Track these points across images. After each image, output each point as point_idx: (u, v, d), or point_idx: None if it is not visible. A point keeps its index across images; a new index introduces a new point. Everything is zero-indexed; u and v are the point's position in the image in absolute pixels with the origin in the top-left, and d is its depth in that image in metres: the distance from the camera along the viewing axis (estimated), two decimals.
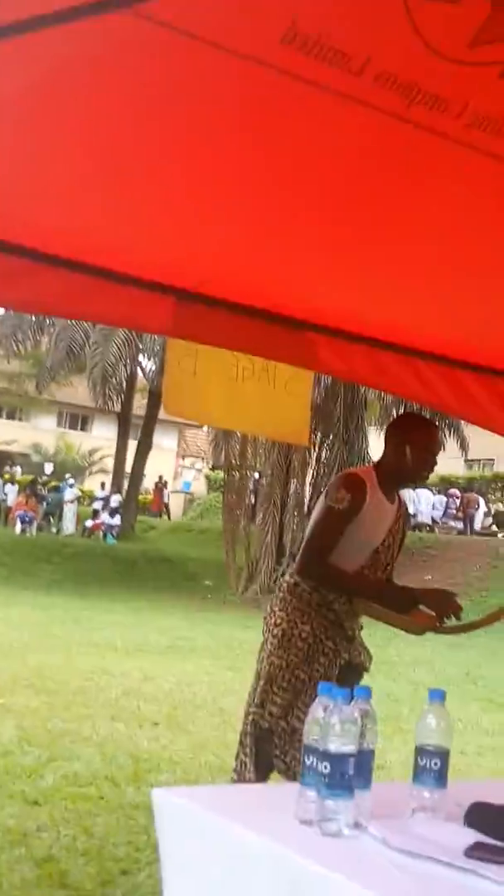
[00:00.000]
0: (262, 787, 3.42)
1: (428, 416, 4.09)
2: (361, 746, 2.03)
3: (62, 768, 5.83)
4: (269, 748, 3.76)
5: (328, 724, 1.96)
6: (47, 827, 4.71)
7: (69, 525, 30.44)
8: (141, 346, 25.61)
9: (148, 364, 28.93)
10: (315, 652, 3.77)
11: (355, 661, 3.92)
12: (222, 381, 4.74)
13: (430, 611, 3.87)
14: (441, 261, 3.32)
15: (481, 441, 30.73)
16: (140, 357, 28.20)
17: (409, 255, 3.30)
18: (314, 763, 2.00)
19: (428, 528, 30.05)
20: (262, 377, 4.78)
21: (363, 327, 4.24)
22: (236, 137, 2.49)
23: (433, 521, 30.76)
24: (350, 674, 3.87)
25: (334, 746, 1.93)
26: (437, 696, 2.20)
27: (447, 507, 31.28)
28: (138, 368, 29.90)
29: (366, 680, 3.95)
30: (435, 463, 4.00)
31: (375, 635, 15.27)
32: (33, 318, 25.81)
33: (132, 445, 31.52)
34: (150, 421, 30.61)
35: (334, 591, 3.81)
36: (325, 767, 1.93)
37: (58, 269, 3.43)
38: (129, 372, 28.19)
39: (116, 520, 29.89)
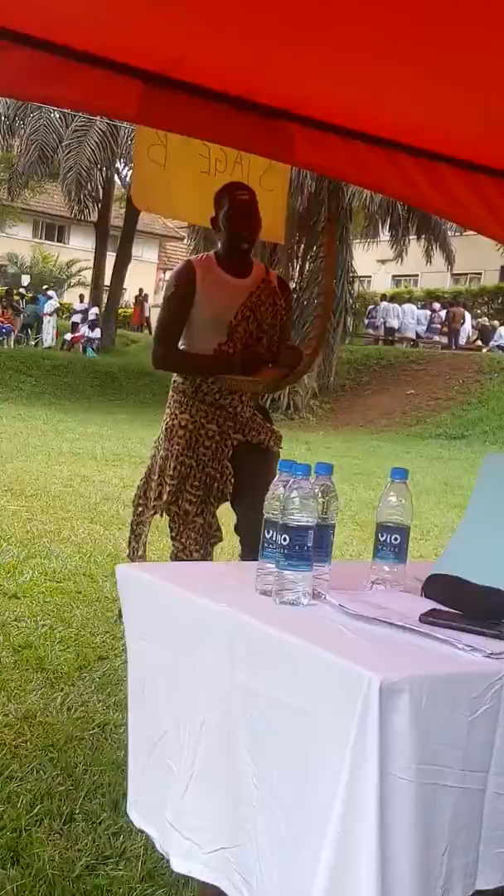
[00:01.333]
0: (221, 564, 3.55)
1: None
2: (322, 521, 2.05)
3: (41, 566, 5.97)
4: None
5: (287, 498, 1.97)
6: (25, 618, 4.85)
7: (48, 338, 30.23)
8: (117, 150, 24.68)
9: (125, 171, 28.01)
10: (198, 437, 3.98)
11: (254, 440, 4.05)
12: (193, 174, 4.59)
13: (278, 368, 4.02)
14: (428, 48, 3.13)
15: (468, 255, 30.47)
16: (118, 164, 27.28)
17: (395, 40, 3.10)
18: (273, 536, 2.03)
19: (412, 342, 30.03)
20: (234, 170, 4.62)
21: (342, 118, 4.04)
22: None
23: (417, 335, 30.69)
24: (251, 452, 4.03)
25: (293, 519, 1.95)
26: (400, 474, 2.21)
27: (431, 321, 31.14)
28: (115, 176, 29.00)
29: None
30: (242, 220, 3.96)
31: (356, 448, 15.52)
32: (3, 118, 24.77)
33: (111, 258, 30.92)
34: (129, 232, 29.89)
35: (179, 374, 4.04)
36: (285, 539, 1.95)
37: (21, 48, 3.24)
38: (104, 178, 27.33)
39: (96, 333, 29.69)
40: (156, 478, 4.06)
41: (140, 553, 4.11)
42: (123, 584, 2.25)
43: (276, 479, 2.06)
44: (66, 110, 21.07)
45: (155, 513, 4.05)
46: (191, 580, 2.17)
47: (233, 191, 3.96)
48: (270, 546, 2.04)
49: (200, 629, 1.97)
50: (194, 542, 3.94)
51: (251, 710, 1.83)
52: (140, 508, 4.12)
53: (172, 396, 4.07)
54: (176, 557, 3.98)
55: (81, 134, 23.76)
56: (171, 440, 4.00)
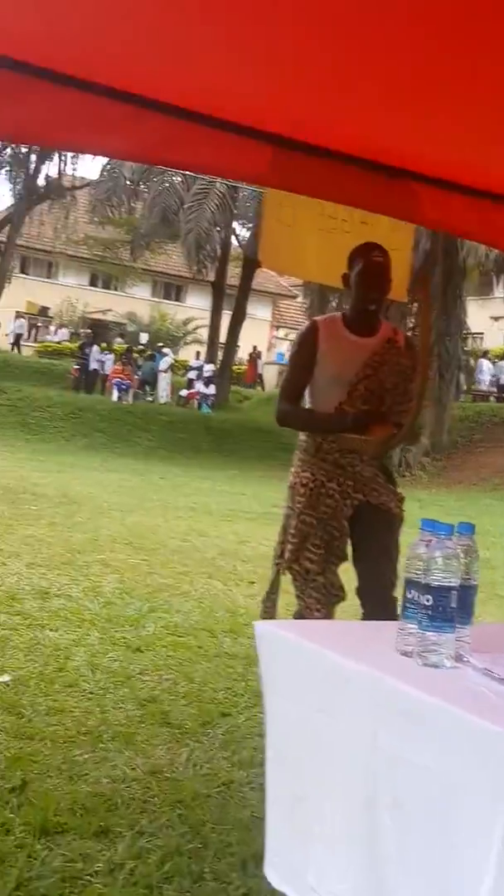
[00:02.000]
0: (358, 623, 3.52)
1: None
2: (464, 581, 2.03)
3: (162, 619, 6.03)
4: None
5: (430, 558, 1.95)
6: (149, 671, 4.89)
7: (163, 394, 30.74)
8: (235, 212, 25.19)
9: (242, 232, 28.55)
10: (319, 495, 3.95)
11: (374, 500, 4.00)
12: (319, 234, 4.65)
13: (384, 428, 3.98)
14: None
15: None
16: (234, 224, 27.84)
17: None
18: (415, 596, 2.00)
19: (494, 397, 29.80)
20: (360, 230, 4.66)
21: (467, 176, 4.06)
22: None
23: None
24: (372, 513, 3.99)
25: (436, 580, 1.93)
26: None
27: None
28: (232, 236, 29.56)
29: None
30: (374, 280, 3.94)
31: (469, 507, 15.24)
32: (128, 183, 25.59)
33: (226, 316, 31.43)
34: (245, 291, 30.38)
35: (298, 430, 4.09)
36: (428, 600, 1.94)
37: (156, 114, 3.35)
38: (223, 239, 27.89)
39: (211, 389, 30.08)
40: (281, 536, 4.06)
41: (272, 611, 4.10)
42: (261, 641, 2.25)
43: (417, 538, 2.05)
44: (187, 173, 21.63)
45: (280, 570, 4.06)
46: (330, 639, 2.17)
47: (368, 252, 3.97)
48: (412, 606, 2.02)
49: (341, 689, 1.96)
50: (316, 602, 3.92)
51: (394, 774, 1.81)
52: (275, 566, 4.12)
53: (296, 454, 4.09)
54: (299, 616, 3.97)
55: (202, 196, 24.35)
56: (293, 498, 4.00)
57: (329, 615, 3.99)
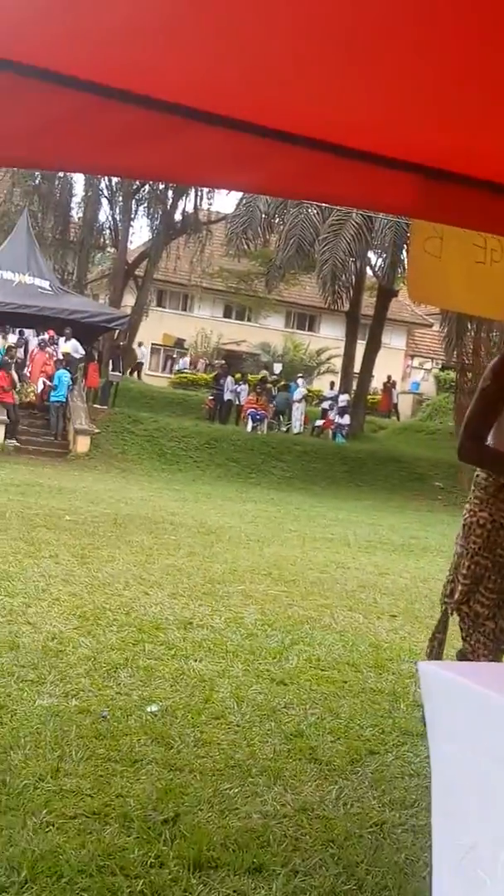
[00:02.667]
0: None
1: None
2: None
3: (305, 652, 6.00)
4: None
5: None
6: (294, 705, 4.87)
7: (297, 424, 30.82)
8: (371, 241, 25.18)
9: (377, 261, 28.47)
10: (497, 537, 3.75)
11: None
12: (469, 265, 4.57)
13: None
14: None
15: None
16: (369, 255, 27.81)
17: None
18: None
19: None
20: None
21: None
22: None
23: None
24: None
25: None
26: None
27: None
28: (366, 266, 29.53)
29: None
30: None
31: None
32: (263, 216, 25.90)
33: (360, 345, 31.37)
34: (380, 320, 30.30)
35: (483, 469, 3.82)
36: None
37: (295, 148, 3.34)
38: (358, 269, 27.89)
39: (346, 419, 30.00)
40: (450, 575, 3.92)
41: (438, 651, 3.98)
42: (427, 683, 2.20)
43: None
44: (323, 205, 21.74)
45: (448, 610, 3.92)
46: (501, 682, 2.10)
47: None
48: None
49: None
50: (483, 647, 3.78)
51: None
52: (443, 605, 3.99)
53: (473, 492, 3.89)
54: (463, 657, 3.84)
55: (338, 227, 24.43)
56: (468, 537, 3.83)
57: (496, 661, 3.85)
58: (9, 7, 2.31)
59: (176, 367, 41.17)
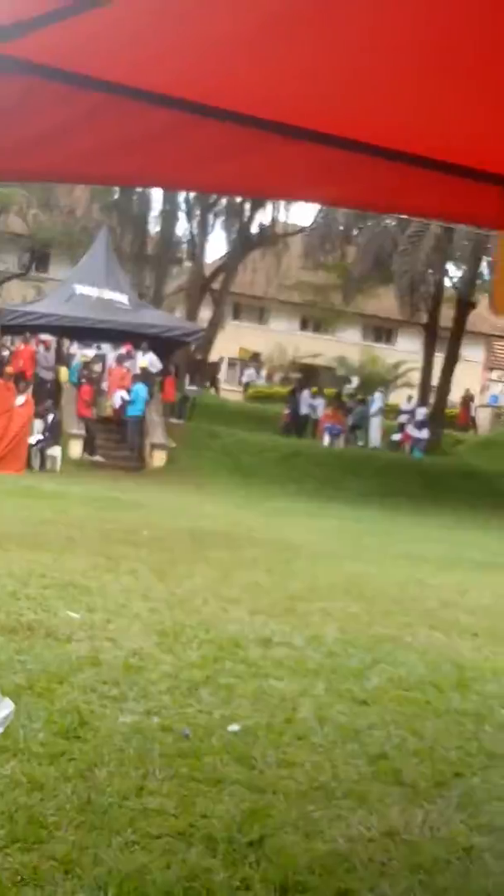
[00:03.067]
0: None
1: None
2: None
3: (386, 672, 5.91)
4: None
5: None
6: (377, 726, 4.79)
7: (375, 438, 30.60)
8: (450, 253, 24.98)
9: (455, 273, 28.22)
10: None
11: None
12: None
13: None
14: None
15: None
16: (448, 266, 27.58)
17: None
18: None
19: None
20: None
21: None
22: None
23: None
24: None
25: None
26: None
27: None
28: (445, 278, 29.29)
29: None
30: None
31: None
32: (341, 228, 25.89)
33: (438, 358, 31.07)
34: (458, 332, 29.98)
35: None
36: None
37: (376, 160, 3.31)
38: (436, 281, 27.67)
39: (424, 433, 29.69)
40: None
41: None
42: None
43: None
44: (401, 216, 21.64)
45: None
46: None
47: None
48: None
49: None
50: None
51: None
52: None
53: None
54: None
55: (416, 239, 24.31)
56: None
57: None
58: (104, 31, 2.33)
59: (244, 380, 41.22)
